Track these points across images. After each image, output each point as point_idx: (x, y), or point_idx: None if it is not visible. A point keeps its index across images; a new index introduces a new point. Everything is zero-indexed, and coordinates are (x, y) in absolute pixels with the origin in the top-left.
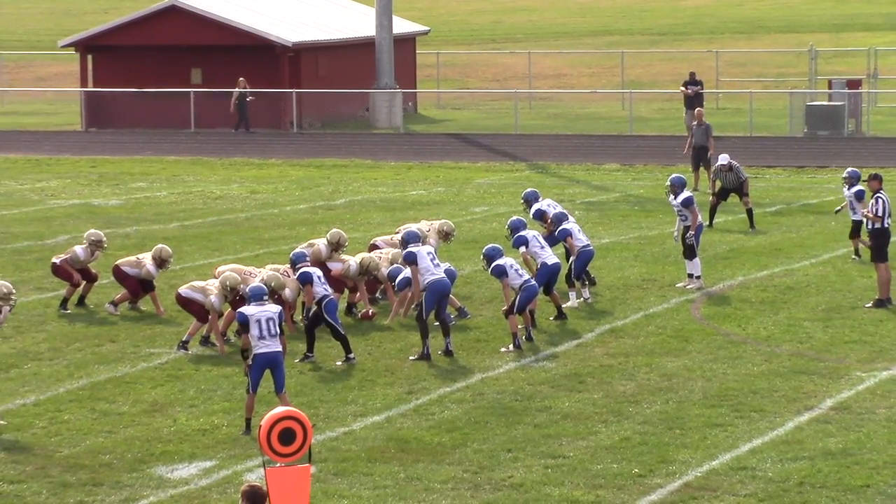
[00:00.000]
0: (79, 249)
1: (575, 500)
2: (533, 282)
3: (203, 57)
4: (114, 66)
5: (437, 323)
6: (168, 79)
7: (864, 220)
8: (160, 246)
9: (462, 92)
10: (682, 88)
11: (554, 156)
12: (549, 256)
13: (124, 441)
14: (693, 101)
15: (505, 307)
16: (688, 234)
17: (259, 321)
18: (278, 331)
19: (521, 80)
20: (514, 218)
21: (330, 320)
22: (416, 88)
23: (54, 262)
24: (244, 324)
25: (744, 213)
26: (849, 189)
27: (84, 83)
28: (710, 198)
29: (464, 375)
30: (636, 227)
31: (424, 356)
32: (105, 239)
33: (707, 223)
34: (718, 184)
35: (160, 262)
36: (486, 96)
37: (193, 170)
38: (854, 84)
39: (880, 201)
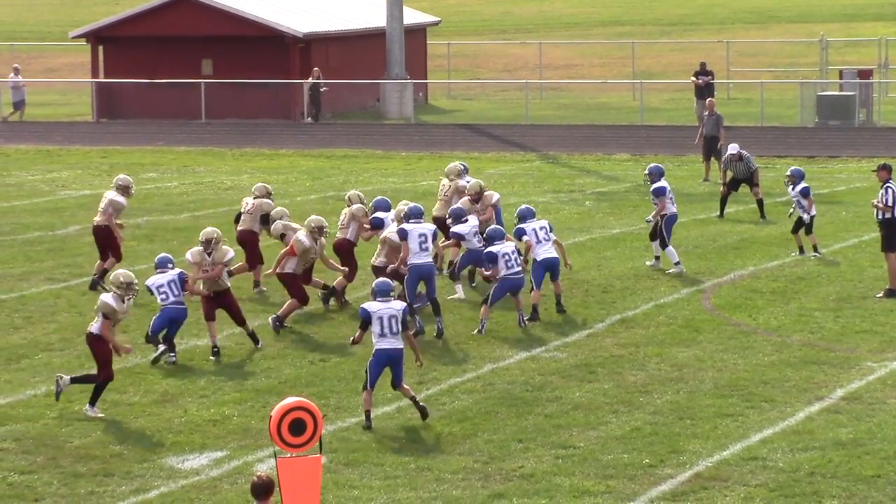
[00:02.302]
0: (120, 199)
1: (585, 490)
2: (519, 276)
3: (214, 47)
4: (125, 56)
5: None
6: (179, 69)
7: (875, 210)
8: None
9: (473, 82)
10: (693, 79)
11: (565, 146)
12: (547, 251)
13: (135, 432)
14: (704, 91)
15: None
16: (647, 218)
17: (381, 318)
18: (400, 328)
19: (531, 70)
20: (523, 206)
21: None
22: (426, 79)
23: (98, 225)
24: (366, 320)
25: (754, 202)
26: (793, 188)
27: (95, 74)
28: (721, 188)
29: (474, 366)
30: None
31: (419, 331)
32: (133, 184)
33: (718, 214)
34: (729, 174)
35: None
36: (496, 87)
37: (204, 160)
38: (865, 74)
39: (890, 191)
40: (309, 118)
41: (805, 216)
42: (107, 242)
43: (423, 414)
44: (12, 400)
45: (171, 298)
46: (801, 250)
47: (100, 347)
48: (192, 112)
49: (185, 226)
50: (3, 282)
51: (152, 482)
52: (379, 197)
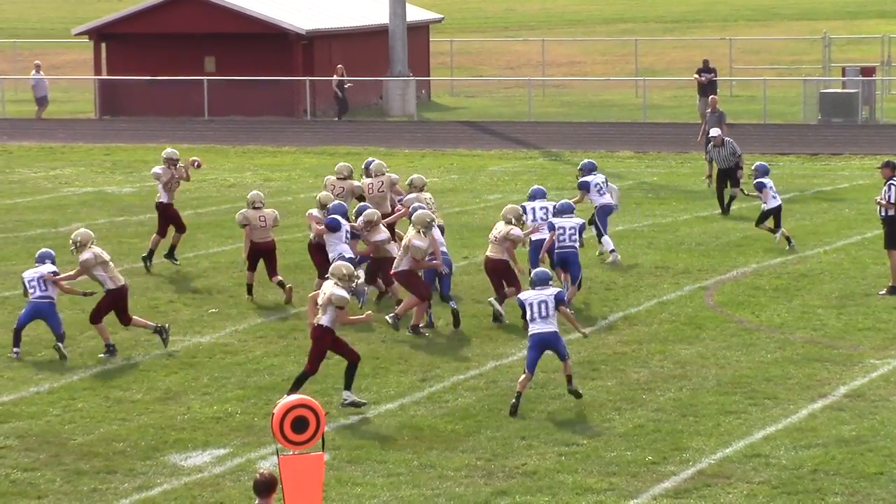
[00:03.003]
0: (157, 169)
1: (588, 487)
2: (568, 250)
3: (216, 45)
4: (127, 54)
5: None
6: (181, 67)
7: (878, 207)
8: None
9: (475, 79)
10: (696, 76)
11: (567, 143)
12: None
13: (138, 429)
14: (706, 88)
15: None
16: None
17: (532, 304)
18: (550, 312)
19: (534, 67)
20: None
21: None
22: (429, 76)
23: (161, 202)
24: (524, 308)
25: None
26: (754, 180)
27: (98, 71)
28: (709, 183)
29: (477, 363)
30: (649, 214)
31: (429, 324)
32: (177, 156)
33: (720, 212)
34: (715, 168)
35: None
36: (499, 84)
37: (207, 157)
38: (868, 71)
39: (893, 188)
40: (336, 117)
41: (764, 206)
42: (165, 217)
43: (576, 395)
44: (15, 397)
45: (38, 293)
46: (789, 240)
47: (322, 340)
48: (194, 109)
49: (188, 223)
50: (6, 279)
51: (155, 479)
52: (336, 202)
